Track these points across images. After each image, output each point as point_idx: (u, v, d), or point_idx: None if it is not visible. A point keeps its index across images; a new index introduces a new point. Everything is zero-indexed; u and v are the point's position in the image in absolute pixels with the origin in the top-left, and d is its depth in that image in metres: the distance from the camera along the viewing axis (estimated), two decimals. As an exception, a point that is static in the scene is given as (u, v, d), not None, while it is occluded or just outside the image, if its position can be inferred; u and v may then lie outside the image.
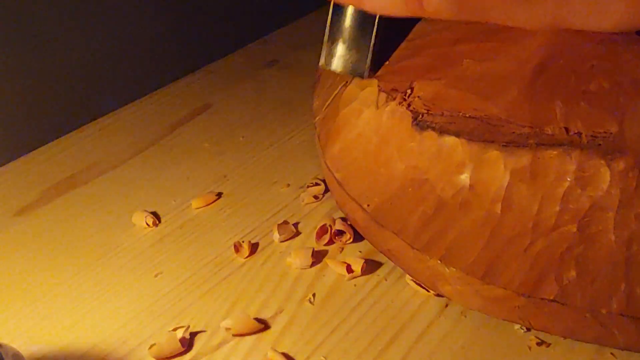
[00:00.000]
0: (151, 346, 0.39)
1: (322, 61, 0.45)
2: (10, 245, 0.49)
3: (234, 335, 0.40)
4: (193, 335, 0.40)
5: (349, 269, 0.43)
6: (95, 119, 0.63)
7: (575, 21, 0.37)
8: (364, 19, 0.43)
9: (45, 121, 0.60)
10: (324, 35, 0.44)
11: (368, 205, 0.41)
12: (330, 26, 0.44)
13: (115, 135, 0.61)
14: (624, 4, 0.36)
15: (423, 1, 0.38)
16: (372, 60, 0.43)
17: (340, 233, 0.46)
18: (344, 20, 0.44)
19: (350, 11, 0.43)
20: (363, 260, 0.43)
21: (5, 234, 0.50)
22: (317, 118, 0.49)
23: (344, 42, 0.44)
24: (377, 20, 0.43)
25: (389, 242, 0.40)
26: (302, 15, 0.80)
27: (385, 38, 0.44)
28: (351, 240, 0.46)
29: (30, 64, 0.57)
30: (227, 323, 0.40)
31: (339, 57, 0.44)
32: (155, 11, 0.66)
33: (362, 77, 0.44)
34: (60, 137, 0.61)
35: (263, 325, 0.40)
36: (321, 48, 0.44)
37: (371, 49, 0.43)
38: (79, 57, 0.61)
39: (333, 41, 0.44)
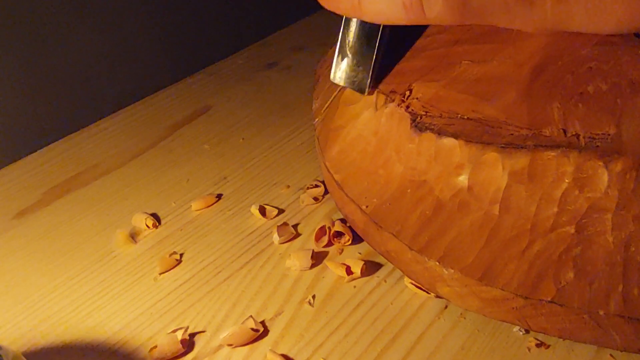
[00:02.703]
0: (151, 349, 0.39)
1: (331, 75, 0.45)
2: (11, 247, 0.49)
3: (234, 347, 0.40)
4: (193, 336, 0.40)
5: (349, 271, 0.43)
6: (95, 121, 0.64)
7: (573, 23, 0.37)
8: (368, 34, 0.43)
9: (45, 123, 0.60)
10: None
11: (367, 207, 0.41)
12: (341, 41, 0.44)
13: (115, 137, 0.61)
14: (621, 6, 0.36)
15: (424, 8, 0.38)
16: (373, 77, 0.43)
17: (339, 234, 0.46)
18: (349, 35, 0.43)
19: (354, 26, 0.43)
20: (363, 262, 0.43)
21: (6, 236, 0.50)
22: (317, 120, 0.49)
23: (349, 57, 0.44)
24: (378, 38, 0.42)
25: (387, 243, 0.40)
26: (302, 17, 0.80)
27: (387, 54, 0.44)
28: (350, 241, 0.46)
29: (30, 66, 0.57)
30: (226, 338, 0.40)
31: (343, 71, 0.44)
32: (156, 13, 0.66)
33: (363, 92, 0.44)
34: (60, 139, 0.61)
35: (261, 331, 0.40)
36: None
37: (372, 66, 0.43)
38: (79, 59, 0.61)
39: (341, 55, 0.44)
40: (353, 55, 0.43)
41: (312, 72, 0.56)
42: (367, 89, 0.43)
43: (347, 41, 0.43)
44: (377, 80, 0.43)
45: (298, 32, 0.78)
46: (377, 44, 0.43)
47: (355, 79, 0.44)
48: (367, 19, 0.40)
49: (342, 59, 0.44)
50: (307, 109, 0.58)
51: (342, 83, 0.44)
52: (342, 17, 0.43)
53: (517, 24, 0.38)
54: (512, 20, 0.38)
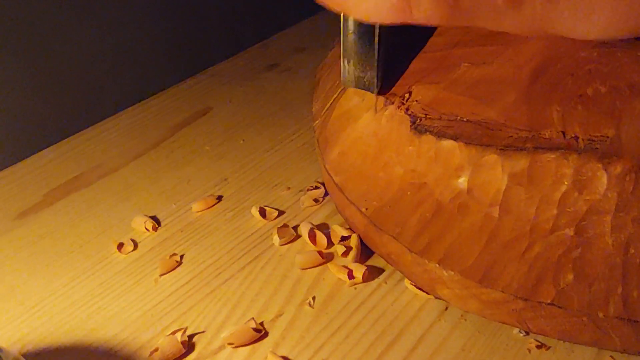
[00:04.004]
0: (152, 352, 0.39)
1: (342, 79, 0.45)
2: (12, 249, 0.49)
3: (235, 347, 0.40)
4: (193, 338, 0.40)
5: (350, 275, 0.43)
6: (95, 122, 0.63)
7: (561, 26, 0.38)
8: (365, 35, 0.43)
9: (46, 125, 0.60)
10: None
11: (366, 209, 0.41)
12: (343, 44, 0.44)
13: (116, 138, 0.61)
14: (609, 10, 0.36)
15: (412, 7, 0.38)
16: (379, 77, 0.43)
17: (344, 239, 0.46)
18: (349, 38, 0.44)
19: (352, 28, 0.43)
20: (365, 267, 0.43)
21: (7, 237, 0.50)
22: (316, 122, 0.49)
23: (353, 60, 0.44)
24: (377, 37, 0.42)
25: (387, 245, 0.40)
26: (302, 19, 0.80)
27: (391, 53, 0.44)
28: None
29: (32, 67, 0.57)
30: (227, 337, 0.40)
31: (350, 74, 0.44)
32: (156, 14, 0.66)
33: (372, 92, 0.44)
34: (61, 140, 0.61)
35: (262, 333, 0.40)
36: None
37: (376, 66, 0.43)
38: (80, 60, 0.61)
39: (346, 59, 0.44)
40: (356, 56, 0.43)
41: (312, 73, 0.56)
42: (375, 89, 0.43)
43: (348, 44, 0.43)
44: (384, 79, 0.43)
45: (299, 34, 0.78)
46: (376, 44, 0.42)
47: (363, 80, 0.44)
48: (355, 17, 0.40)
49: (348, 62, 0.44)
50: (307, 111, 0.58)
51: (351, 86, 0.44)
52: (340, 19, 0.43)
53: (505, 26, 0.38)
54: (500, 22, 0.38)
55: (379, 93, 0.43)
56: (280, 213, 0.50)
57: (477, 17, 0.38)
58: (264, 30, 0.77)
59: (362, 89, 0.44)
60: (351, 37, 0.43)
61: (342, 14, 0.43)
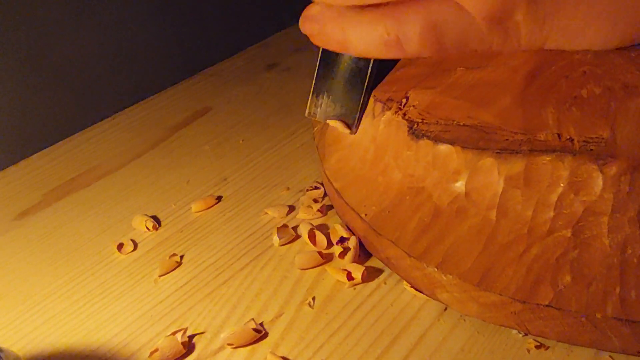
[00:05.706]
0: (152, 353, 0.39)
1: (307, 112, 0.46)
2: (11, 249, 0.49)
3: (235, 348, 0.40)
4: (193, 338, 0.40)
5: (349, 276, 0.43)
6: (95, 123, 0.64)
7: (549, 45, 0.39)
8: (355, 74, 0.43)
9: (46, 125, 0.60)
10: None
11: (366, 215, 0.41)
12: (317, 79, 0.45)
13: (116, 138, 0.61)
14: (595, 30, 0.37)
15: (403, 44, 0.39)
16: (359, 117, 0.44)
17: (343, 239, 0.46)
18: (333, 74, 0.44)
19: (342, 66, 0.44)
20: (364, 268, 0.43)
21: (6, 237, 0.50)
22: (316, 128, 0.49)
23: (330, 96, 0.44)
24: (367, 78, 0.43)
25: (386, 250, 0.40)
26: (302, 18, 0.80)
27: (379, 74, 0.44)
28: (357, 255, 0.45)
29: (31, 67, 0.57)
30: (226, 338, 0.40)
31: (324, 109, 0.45)
32: (156, 14, 0.66)
33: (350, 131, 0.44)
34: (61, 141, 0.61)
35: (262, 333, 0.40)
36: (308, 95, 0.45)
37: (360, 106, 0.44)
38: (80, 60, 0.61)
39: (318, 93, 0.45)
40: (337, 95, 0.44)
41: (312, 73, 0.56)
42: (355, 128, 0.44)
43: (329, 81, 0.44)
44: (360, 120, 0.44)
45: (298, 33, 0.76)
46: (365, 84, 0.43)
47: (340, 117, 0.44)
48: (354, 53, 0.42)
49: (322, 99, 0.45)
50: (307, 110, 0.58)
51: (323, 120, 0.46)
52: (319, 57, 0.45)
53: (495, 49, 0.39)
54: (488, 48, 0.39)
55: (355, 132, 0.44)
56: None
57: (464, 47, 0.40)
58: (263, 30, 0.77)
59: (336, 124, 0.45)
60: (340, 74, 0.44)
61: (320, 53, 0.44)
